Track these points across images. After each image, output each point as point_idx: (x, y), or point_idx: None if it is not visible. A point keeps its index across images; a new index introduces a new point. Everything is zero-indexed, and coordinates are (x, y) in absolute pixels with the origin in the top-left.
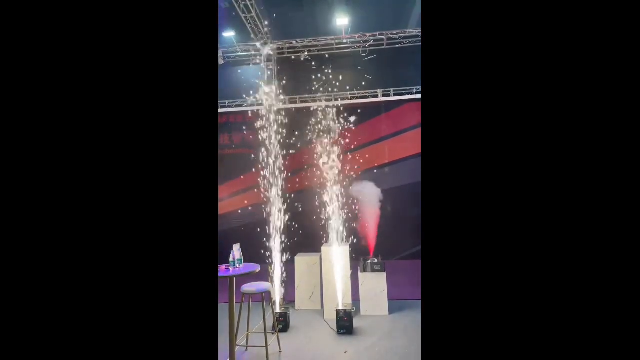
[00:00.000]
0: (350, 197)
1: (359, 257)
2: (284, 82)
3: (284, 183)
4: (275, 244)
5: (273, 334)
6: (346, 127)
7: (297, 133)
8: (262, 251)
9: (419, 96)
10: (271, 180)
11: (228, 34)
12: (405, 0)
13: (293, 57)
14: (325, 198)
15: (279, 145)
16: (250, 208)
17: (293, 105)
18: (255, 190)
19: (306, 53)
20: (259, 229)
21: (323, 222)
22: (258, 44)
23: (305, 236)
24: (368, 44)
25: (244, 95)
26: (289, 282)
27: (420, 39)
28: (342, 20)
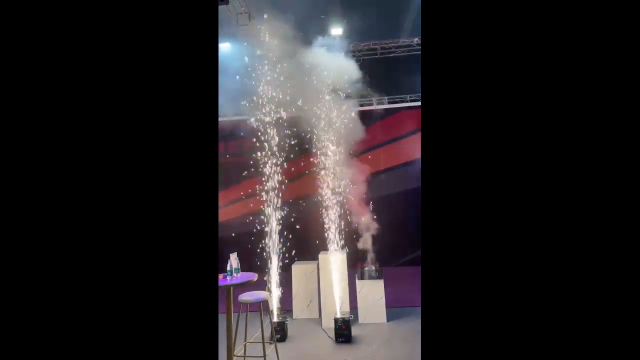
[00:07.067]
0: (347, 204)
1: (356, 264)
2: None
3: (280, 191)
4: (272, 252)
5: (271, 343)
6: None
7: (295, 141)
8: (259, 260)
9: (413, 104)
10: (268, 188)
11: (224, 45)
12: (398, 11)
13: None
14: (323, 206)
15: (275, 153)
16: (246, 216)
17: (290, 113)
18: (252, 198)
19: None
20: (255, 238)
21: (320, 229)
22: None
23: (303, 244)
24: (362, 53)
25: (244, 102)
26: (286, 290)
27: (413, 48)
28: (336, 30)
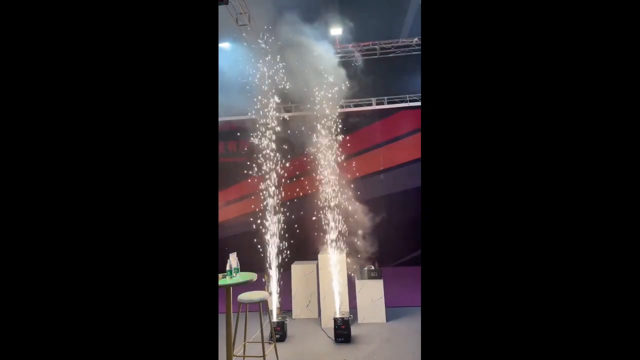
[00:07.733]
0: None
1: (355, 264)
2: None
3: (280, 191)
4: (272, 252)
5: (270, 343)
6: (341, 135)
7: (293, 141)
8: (259, 259)
9: (412, 104)
10: (267, 188)
11: (223, 45)
12: (397, 11)
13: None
14: (322, 205)
15: (274, 153)
16: (246, 216)
17: (288, 114)
18: (252, 198)
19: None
20: (255, 238)
21: (319, 229)
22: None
23: (302, 244)
24: (361, 53)
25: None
26: (285, 290)
27: (412, 48)
28: (335, 30)
